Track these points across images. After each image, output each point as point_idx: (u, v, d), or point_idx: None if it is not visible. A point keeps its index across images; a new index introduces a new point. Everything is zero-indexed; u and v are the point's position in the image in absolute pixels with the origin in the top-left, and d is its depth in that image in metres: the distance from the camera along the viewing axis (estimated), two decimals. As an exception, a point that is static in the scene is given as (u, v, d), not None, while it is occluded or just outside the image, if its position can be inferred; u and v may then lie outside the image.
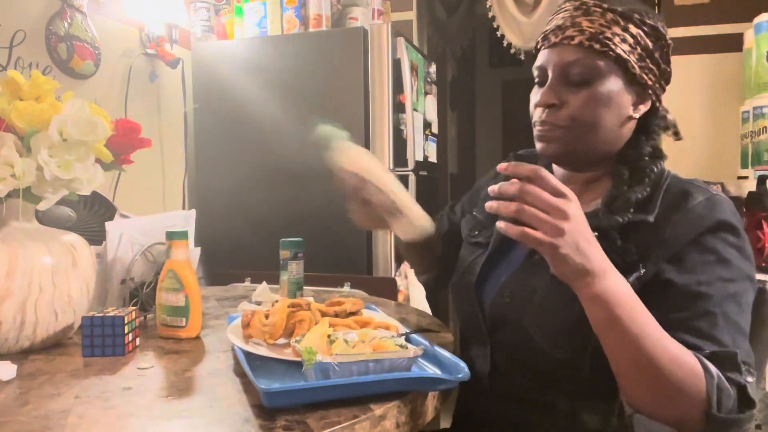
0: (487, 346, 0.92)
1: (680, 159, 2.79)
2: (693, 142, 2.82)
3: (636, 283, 0.78)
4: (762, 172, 2.25)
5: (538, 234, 0.66)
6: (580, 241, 0.68)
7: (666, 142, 0.93)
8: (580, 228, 0.68)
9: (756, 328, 0.98)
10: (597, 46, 0.82)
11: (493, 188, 0.70)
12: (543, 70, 0.88)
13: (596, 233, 0.79)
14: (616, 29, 0.83)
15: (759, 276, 1.91)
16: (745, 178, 2.54)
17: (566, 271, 0.70)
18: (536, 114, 0.89)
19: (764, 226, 2.02)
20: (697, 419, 0.69)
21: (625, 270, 0.77)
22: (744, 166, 2.58)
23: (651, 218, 0.81)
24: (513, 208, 0.67)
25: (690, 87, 2.83)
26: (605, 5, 0.84)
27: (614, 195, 0.85)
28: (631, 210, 0.82)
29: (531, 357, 0.85)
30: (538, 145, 0.90)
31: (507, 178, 1.03)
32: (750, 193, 2.15)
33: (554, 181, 0.68)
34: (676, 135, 0.94)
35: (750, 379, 0.72)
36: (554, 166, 0.98)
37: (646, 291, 0.77)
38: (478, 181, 1.17)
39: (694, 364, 0.70)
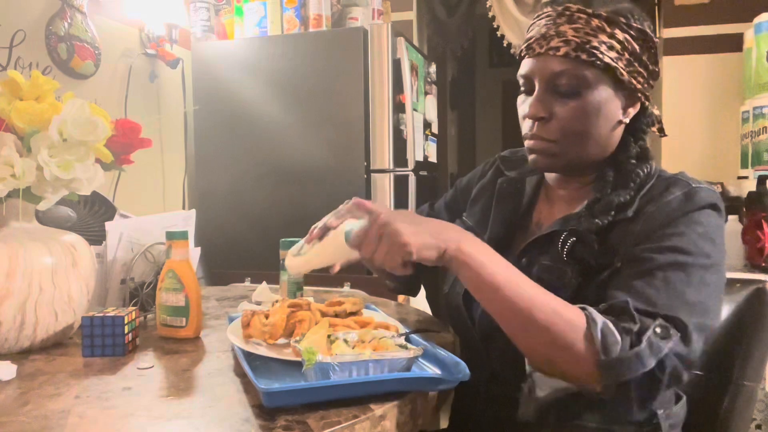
0: (483, 354, 0.91)
1: (680, 159, 2.80)
2: (693, 142, 2.82)
3: (610, 276, 0.78)
4: (762, 172, 2.25)
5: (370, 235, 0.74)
6: (406, 215, 0.75)
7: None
8: (399, 212, 0.76)
9: (756, 328, 0.99)
10: (584, 56, 0.80)
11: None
12: (529, 79, 0.86)
13: (575, 237, 0.82)
14: (603, 37, 0.80)
15: (759, 276, 1.91)
16: (745, 178, 2.54)
17: (420, 244, 0.72)
18: (526, 125, 0.88)
19: (764, 226, 2.01)
20: (592, 371, 0.68)
21: (600, 268, 0.79)
22: (744, 166, 2.58)
23: (630, 213, 0.81)
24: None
25: (690, 87, 2.83)
26: (590, 10, 0.81)
27: (597, 198, 0.85)
28: (612, 213, 0.82)
29: (524, 363, 0.84)
30: (530, 157, 0.88)
31: (495, 176, 1.02)
32: (750, 193, 2.15)
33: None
34: (661, 131, 0.93)
35: (664, 333, 0.68)
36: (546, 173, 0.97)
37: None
38: (461, 180, 1.13)
39: (576, 315, 0.70)
